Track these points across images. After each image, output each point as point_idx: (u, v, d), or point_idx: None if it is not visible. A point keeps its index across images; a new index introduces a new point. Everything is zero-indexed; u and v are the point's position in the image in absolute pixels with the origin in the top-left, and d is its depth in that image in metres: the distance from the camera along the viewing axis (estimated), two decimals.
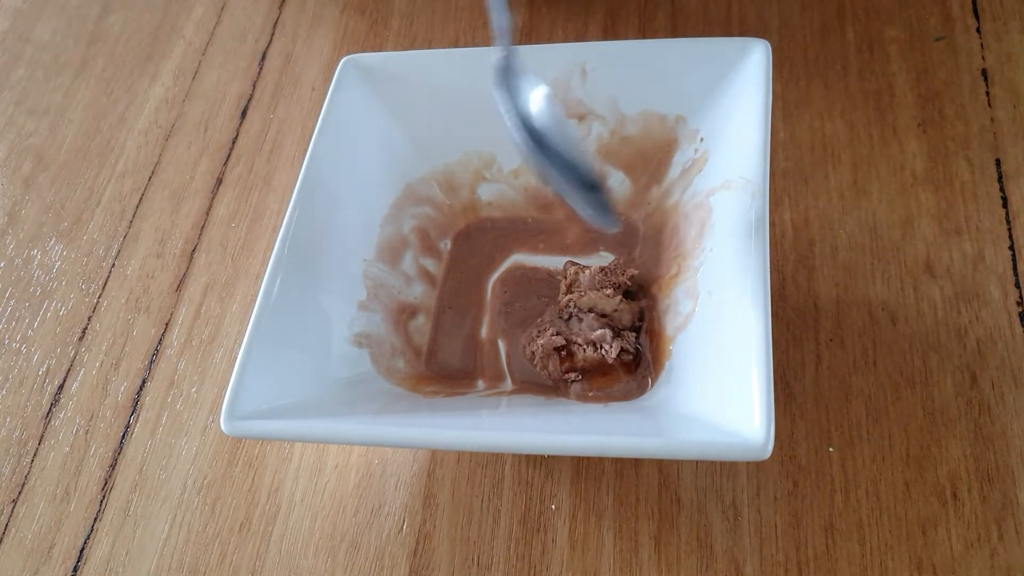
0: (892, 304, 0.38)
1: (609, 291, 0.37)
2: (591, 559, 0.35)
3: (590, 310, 0.37)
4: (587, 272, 0.38)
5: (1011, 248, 0.39)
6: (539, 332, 0.37)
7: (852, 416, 0.36)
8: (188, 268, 0.46)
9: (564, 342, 0.36)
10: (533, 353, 0.37)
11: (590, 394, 0.36)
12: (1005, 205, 0.40)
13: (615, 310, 0.37)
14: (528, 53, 0.40)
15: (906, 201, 0.41)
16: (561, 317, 0.38)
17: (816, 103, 0.44)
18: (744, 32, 0.48)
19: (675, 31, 0.49)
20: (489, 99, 0.38)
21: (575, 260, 0.40)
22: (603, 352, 0.35)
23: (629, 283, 0.38)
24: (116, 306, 0.46)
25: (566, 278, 0.39)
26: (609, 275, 0.38)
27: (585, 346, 0.36)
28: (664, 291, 0.37)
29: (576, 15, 0.51)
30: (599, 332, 0.36)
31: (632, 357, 0.36)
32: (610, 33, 0.50)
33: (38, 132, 0.54)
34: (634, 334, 0.37)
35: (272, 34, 0.55)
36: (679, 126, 0.38)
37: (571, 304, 0.37)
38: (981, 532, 0.33)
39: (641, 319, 0.37)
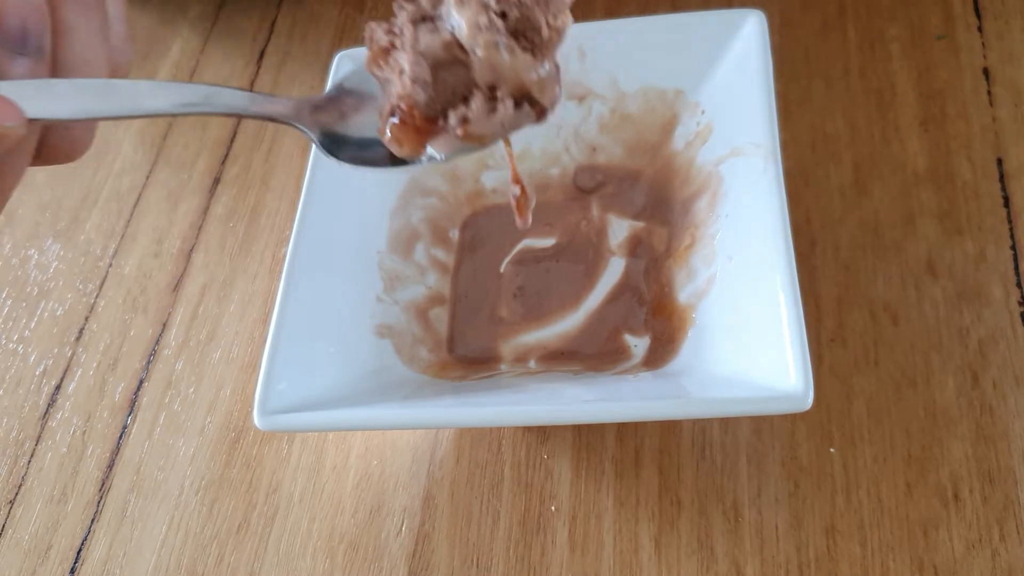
0: (893, 304, 0.38)
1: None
2: (591, 561, 0.34)
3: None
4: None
5: (1013, 248, 0.38)
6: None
7: (853, 416, 0.36)
8: (186, 268, 0.46)
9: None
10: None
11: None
12: (1007, 204, 0.40)
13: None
14: None
15: (907, 200, 0.41)
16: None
17: (817, 102, 0.44)
18: None
19: None
20: None
21: None
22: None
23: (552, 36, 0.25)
24: (113, 306, 0.45)
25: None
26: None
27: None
28: (679, 262, 0.37)
29: (575, 10, 0.51)
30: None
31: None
32: None
33: None
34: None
35: (270, 32, 0.55)
36: (678, 100, 0.38)
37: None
38: (983, 533, 0.33)
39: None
